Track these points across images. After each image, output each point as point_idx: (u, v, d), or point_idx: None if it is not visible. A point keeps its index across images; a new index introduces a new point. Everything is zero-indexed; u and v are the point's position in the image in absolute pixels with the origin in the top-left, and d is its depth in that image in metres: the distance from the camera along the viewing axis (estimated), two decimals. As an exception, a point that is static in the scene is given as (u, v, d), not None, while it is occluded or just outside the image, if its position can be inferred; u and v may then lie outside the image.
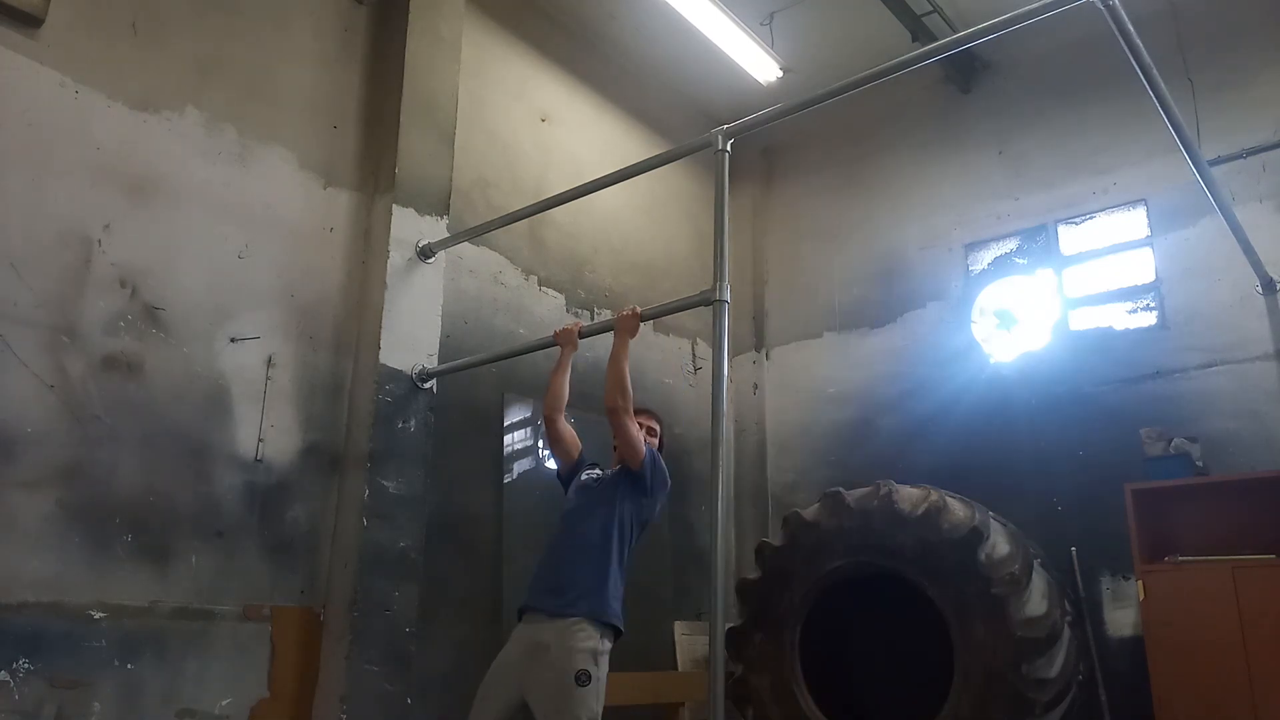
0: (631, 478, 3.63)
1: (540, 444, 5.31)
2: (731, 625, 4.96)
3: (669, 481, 3.76)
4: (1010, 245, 6.21)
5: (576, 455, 3.87)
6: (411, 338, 4.45)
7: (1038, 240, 6.09)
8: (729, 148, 3.47)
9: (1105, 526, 5.09)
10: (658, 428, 3.86)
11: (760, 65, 6.07)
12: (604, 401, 3.60)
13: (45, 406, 3.42)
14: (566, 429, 3.90)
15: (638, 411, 3.72)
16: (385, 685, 4.02)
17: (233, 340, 4.01)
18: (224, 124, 4.15)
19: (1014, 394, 5.80)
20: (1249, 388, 5.04)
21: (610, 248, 6.19)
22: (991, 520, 4.69)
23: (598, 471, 3.83)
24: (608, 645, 3.43)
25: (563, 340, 4.00)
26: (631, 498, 3.63)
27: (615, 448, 3.70)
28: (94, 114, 3.73)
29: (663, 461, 3.75)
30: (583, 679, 3.28)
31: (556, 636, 3.37)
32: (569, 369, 3.96)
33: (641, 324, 3.84)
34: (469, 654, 4.65)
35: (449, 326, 4.77)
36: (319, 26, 4.63)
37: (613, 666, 3.54)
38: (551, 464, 5.25)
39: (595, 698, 3.31)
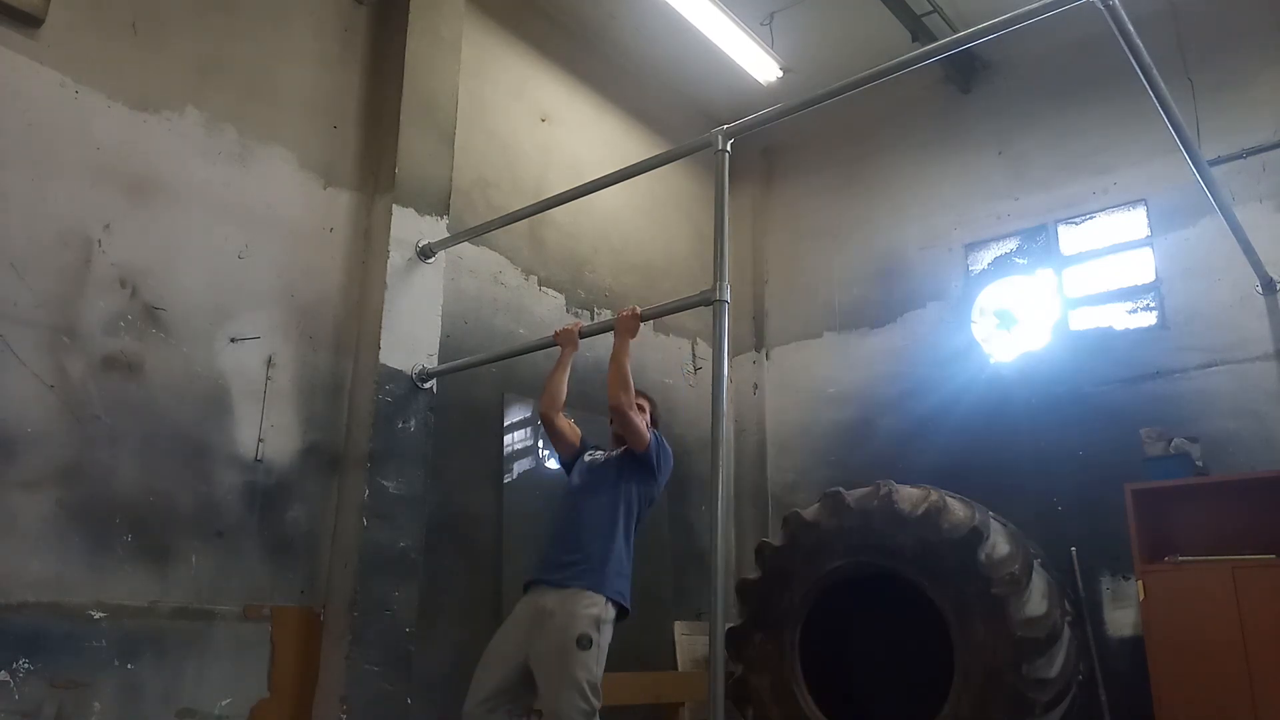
0: (637, 460, 3.73)
1: (540, 444, 5.31)
2: (731, 625, 4.96)
3: (672, 460, 3.87)
4: (1010, 245, 6.21)
5: (578, 443, 3.99)
6: (411, 338, 4.45)
7: (1038, 240, 6.09)
8: (729, 148, 3.47)
9: (1105, 526, 5.09)
10: (646, 405, 3.91)
11: (760, 65, 6.07)
12: (608, 400, 3.69)
13: (45, 406, 3.42)
14: (564, 423, 4.00)
15: None
16: (385, 685, 4.02)
17: (233, 340, 4.01)
18: (224, 124, 4.15)
19: (1014, 394, 5.80)
20: (1249, 388, 5.04)
21: (610, 248, 6.19)
22: (991, 520, 4.69)
23: (600, 453, 3.93)
24: (611, 615, 3.50)
25: (563, 340, 4.05)
26: (637, 478, 3.73)
27: (614, 434, 3.83)
28: (94, 114, 3.73)
29: (666, 443, 3.86)
30: (584, 642, 3.37)
31: (560, 603, 3.46)
32: (568, 369, 4.02)
33: (641, 324, 3.89)
34: (469, 654, 4.63)
35: (449, 326, 4.77)
36: (319, 26, 4.63)
37: (613, 666, 3.56)
38: (552, 464, 5.29)
39: (595, 662, 3.39)
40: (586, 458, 3.93)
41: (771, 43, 6.01)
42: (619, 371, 3.68)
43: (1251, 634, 4.33)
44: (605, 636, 3.45)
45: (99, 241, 3.66)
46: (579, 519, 3.67)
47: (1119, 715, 4.84)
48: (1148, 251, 5.63)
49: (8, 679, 3.17)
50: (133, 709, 3.46)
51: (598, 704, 3.35)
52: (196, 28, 4.13)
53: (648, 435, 3.70)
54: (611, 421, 3.84)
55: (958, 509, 4.66)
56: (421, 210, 4.61)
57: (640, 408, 3.82)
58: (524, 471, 5.20)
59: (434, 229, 4.63)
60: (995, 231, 6.24)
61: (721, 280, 3.20)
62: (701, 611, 6.02)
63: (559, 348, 4.08)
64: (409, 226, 4.54)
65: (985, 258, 6.31)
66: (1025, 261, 6.12)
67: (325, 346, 4.34)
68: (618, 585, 3.54)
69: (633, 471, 3.72)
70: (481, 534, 4.90)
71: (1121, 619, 5.09)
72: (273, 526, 4.01)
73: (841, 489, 4.92)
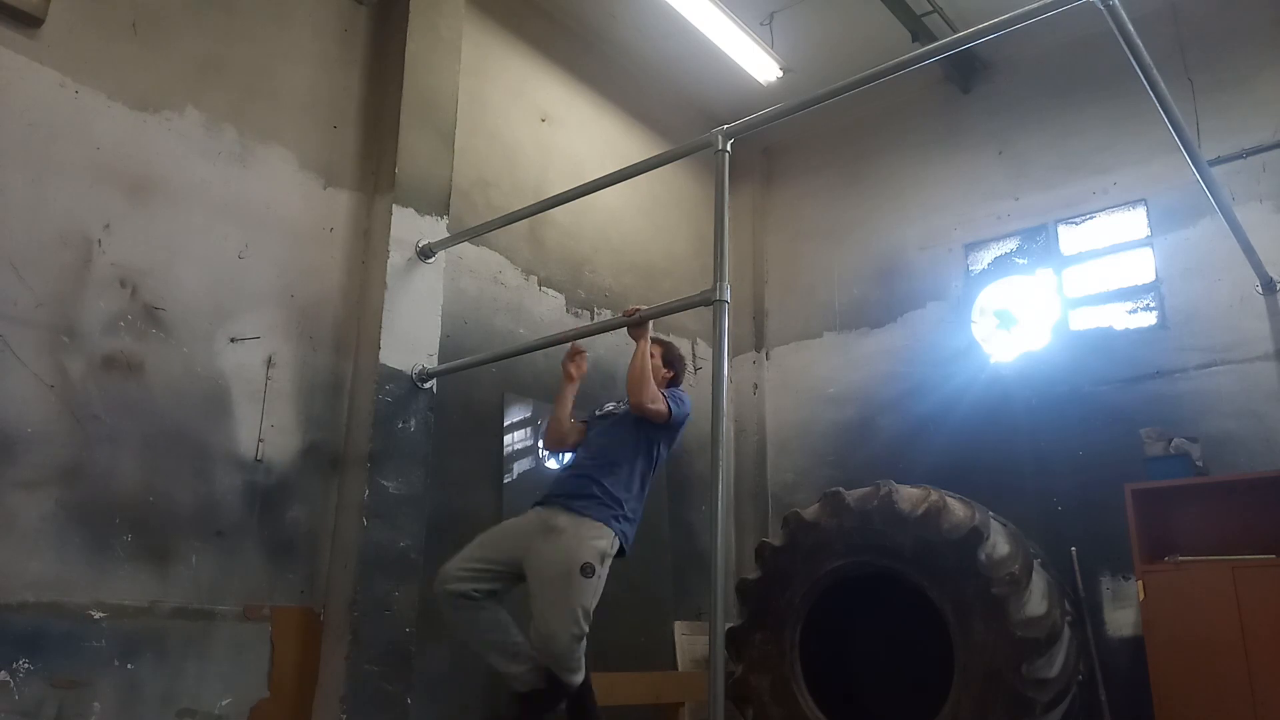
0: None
1: (540, 444, 5.31)
2: (731, 625, 4.96)
3: (690, 405, 3.96)
4: (1010, 245, 6.21)
5: (585, 428, 4.06)
6: (411, 338, 4.44)
7: (1038, 240, 6.09)
8: (729, 148, 3.47)
9: (1105, 526, 5.09)
10: (658, 358, 4.01)
11: (760, 65, 6.07)
12: (630, 398, 3.78)
13: (45, 406, 3.42)
14: (571, 439, 4.05)
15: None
16: (385, 685, 4.02)
17: (233, 340, 4.01)
18: (224, 124, 4.15)
19: (1014, 394, 5.80)
20: (1249, 388, 5.04)
21: (610, 248, 6.19)
22: (991, 520, 4.69)
23: (617, 404, 4.03)
24: (613, 552, 3.59)
25: (569, 370, 4.10)
26: (659, 432, 3.84)
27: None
28: (94, 114, 3.73)
29: (681, 395, 3.94)
30: (587, 570, 3.45)
31: (572, 525, 3.55)
32: (569, 403, 4.07)
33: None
34: (469, 654, 4.65)
35: (449, 326, 4.77)
36: (319, 26, 4.63)
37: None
38: (551, 464, 5.30)
39: (593, 593, 3.47)
40: (603, 408, 4.05)
41: (771, 43, 6.00)
42: (639, 371, 3.76)
43: (1251, 634, 4.33)
44: (605, 569, 3.55)
45: (99, 241, 3.66)
46: (598, 459, 3.77)
47: (1119, 715, 4.84)
48: (1148, 251, 5.63)
49: (8, 679, 3.17)
50: (133, 709, 3.46)
51: (586, 629, 3.44)
52: (196, 28, 4.13)
53: (665, 410, 3.78)
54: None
55: (958, 509, 4.66)
56: (421, 210, 4.61)
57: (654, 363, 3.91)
58: (524, 471, 5.20)
59: (434, 229, 4.63)
60: (995, 231, 6.24)
61: (721, 280, 3.20)
62: (701, 611, 6.02)
63: (562, 360, 4.13)
64: (409, 226, 4.54)
65: (985, 258, 6.31)
66: (1025, 261, 6.12)
67: (325, 346, 4.34)
68: (624, 528, 3.65)
69: (654, 426, 3.83)
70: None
71: (1121, 619, 5.09)
72: (273, 526, 4.01)
73: (841, 489, 4.92)
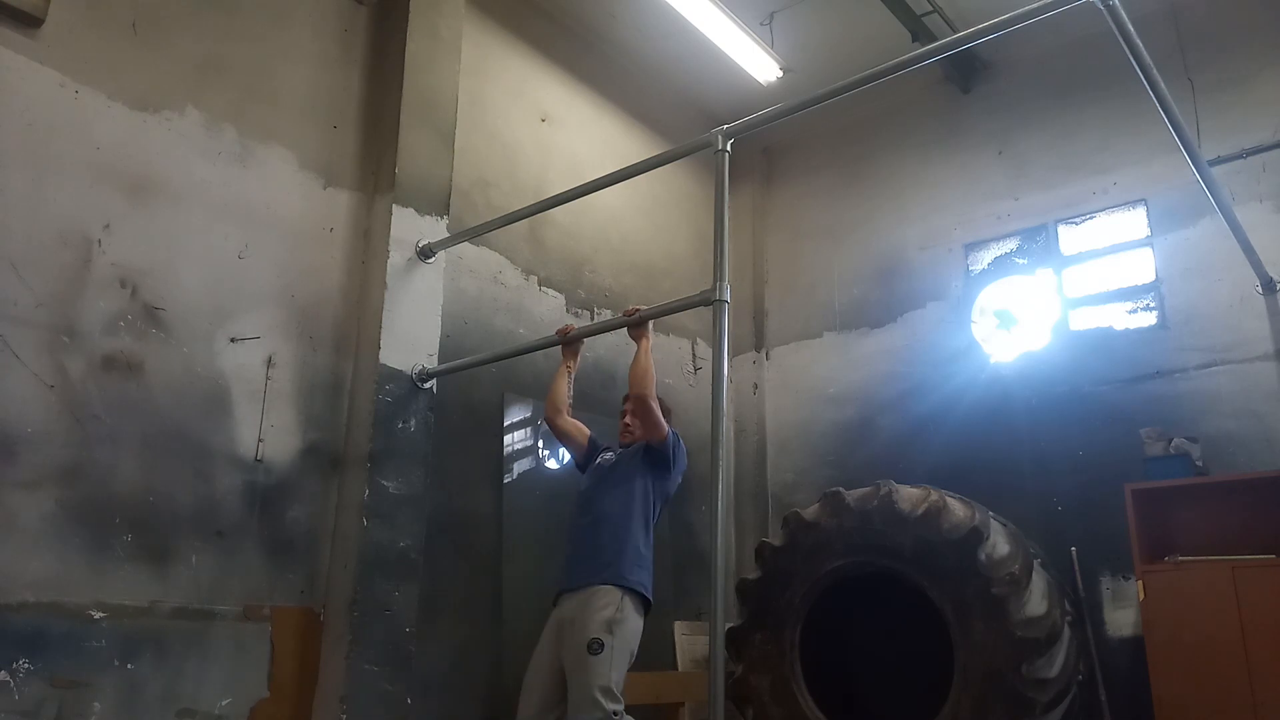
0: (653, 455, 3.82)
1: (540, 444, 5.31)
2: (731, 625, 4.96)
3: (686, 460, 3.97)
4: (1010, 245, 6.21)
5: (587, 441, 4.08)
6: (411, 338, 4.44)
7: (1038, 240, 6.09)
8: (729, 148, 3.47)
9: (1105, 526, 5.09)
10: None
11: (760, 65, 6.06)
12: (631, 390, 3.81)
13: (45, 406, 3.42)
14: (569, 422, 4.09)
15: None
16: (385, 685, 4.02)
17: (233, 340, 4.01)
18: (224, 124, 4.15)
19: (1014, 394, 5.80)
20: (1249, 388, 5.04)
21: (610, 248, 6.19)
22: (991, 520, 4.69)
23: (611, 455, 4.01)
24: (630, 613, 3.50)
25: (565, 348, 4.14)
26: (653, 472, 3.81)
27: (626, 425, 3.95)
28: (94, 114, 3.73)
29: (682, 441, 3.95)
30: (595, 647, 3.37)
31: (578, 608, 3.52)
32: (567, 375, 4.13)
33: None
34: (469, 654, 4.66)
35: (449, 326, 4.77)
36: (319, 26, 4.63)
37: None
38: (551, 464, 5.30)
39: (609, 665, 3.37)
40: (598, 460, 4.01)
41: (771, 43, 6.00)
42: (643, 368, 3.79)
43: (1251, 634, 4.33)
44: (621, 636, 3.45)
45: (99, 241, 3.66)
46: (593, 516, 3.74)
47: (1119, 715, 4.84)
48: (1148, 251, 5.63)
49: (8, 679, 3.17)
50: (133, 709, 3.46)
51: (613, 706, 3.35)
52: (196, 28, 4.13)
53: (666, 428, 3.79)
54: (625, 415, 3.97)
55: (958, 509, 4.66)
56: (421, 210, 4.61)
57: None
58: (524, 471, 5.20)
59: (434, 229, 4.63)
60: (995, 231, 6.24)
61: (721, 280, 3.20)
62: (701, 611, 6.02)
63: (560, 348, 4.14)
64: (409, 226, 4.54)
65: (985, 258, 6.31)
66: (1025, 261, 6.12)
67: (325, 346, 4.34)
68: (637, 576, 3.57)
69: (648, 466, 3.80)
70: (481, 534, 4.90)
71: (1121, 619, 5.08)
72: (273, 526, 4.01)
73: (841, 489, 4.92)
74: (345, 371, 4.38)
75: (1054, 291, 5.93)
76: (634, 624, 3.52)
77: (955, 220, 6.41)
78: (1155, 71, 3.30)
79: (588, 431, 4.10)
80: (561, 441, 4.15)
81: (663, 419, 3.79)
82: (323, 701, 3.94)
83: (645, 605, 3.60)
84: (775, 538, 5.13)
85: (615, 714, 3.34)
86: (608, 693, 3.35)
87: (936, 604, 4.48)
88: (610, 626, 3.43)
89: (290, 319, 4.23)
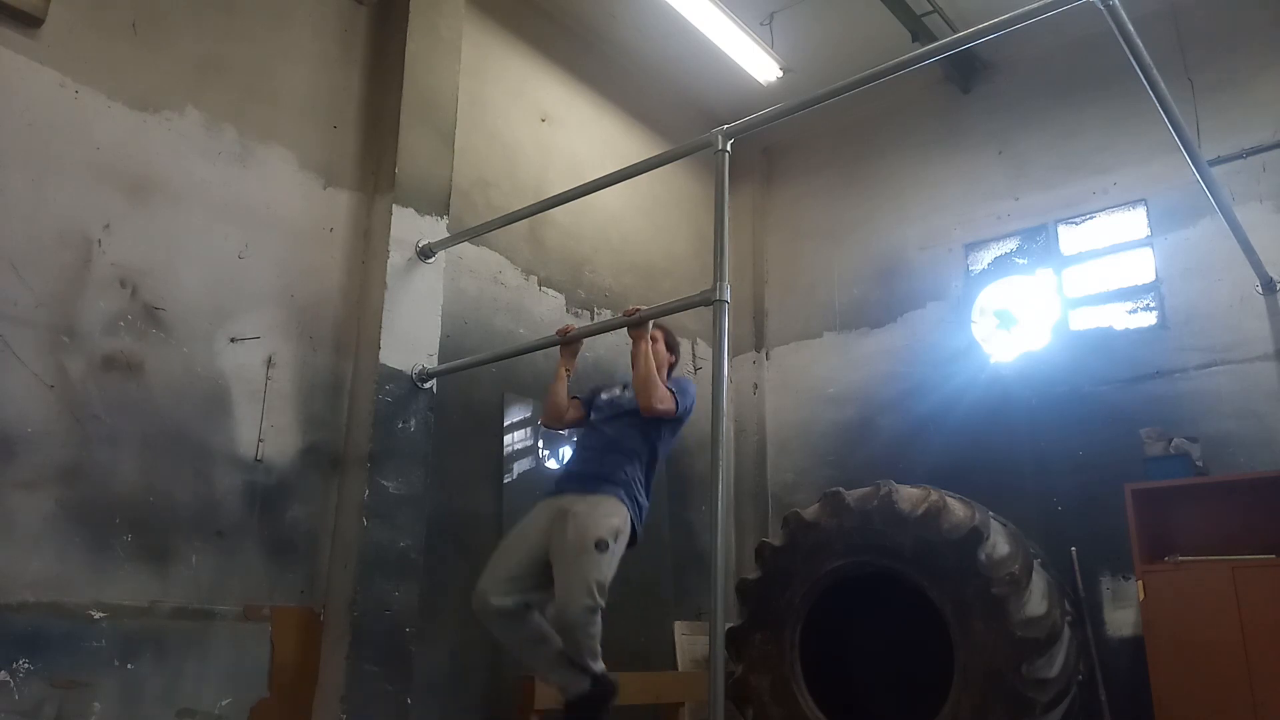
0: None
1: (540, 444, 5.31)
2: (731, 625, 4.96)
3: (694, 396, 4.01)
4: (1010, 245, 6.21)
5: (585, 410, 4.09)
6: (411, 338, 4.44)
7: (1038, 240, 6.09)
8: (729, 148, 3.47)
9: (1105, 526, 5.09)
10: (661, 341, 4.08)
11: (760, 65, 6.07)
12: (639, 401, 3.82)
13: (45, 406, 3.42)
14: (569, 418, 4.11)
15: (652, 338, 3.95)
16: (385, 685, 4.02)
17: (233, 340, 4.01)
18: (224, 124, 4.15)
19: (1014, 394, 5.80)
20: (1249, 388, 5.04)
21: (610, 248, 6.19)
22: (991, 520, 4.69)
23: (618, 389, 4.09)
24: (624, 538, 3.64)
25: (563, 351, 4.14)
26: (662, 422, 3.89)
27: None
28: (94, 114, 3.73)
29: (685, 382, 4.01)
30: (601, 545, 3.50)
31: (587, 505, 3.62)
32: (565, 380, 4.11)
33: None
34: (469, 654, 4.66)
35: (449, 326, 4.77)
36: (319, 26, 4.63)
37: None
38: (551, 464, 5.29)
39: (608, 566, 3.52)
40: (604, 395, 4.08)
41: (771, 43, 6.00)
42: (642, 376, 3.80)
43: (1251, 634, 4.33)
44: (618, 547, 3.58)
45: (99, 241, 3.66)
46: (606, 443, 3.84)
47: (1119, 715, 4.84)
48: (1148, 251, 5.63)
49: (8, 679, 3.17)
50: (133, 709, 3.46)
51: (602, 602, 3.47)
52: (196, 28, 4.13)
53: (674, 407, 3.85)
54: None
55: (958, 509, 4.66)
56: (421, 210, 4.61)
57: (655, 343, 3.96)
58: (524, 471, 5.20)
59: (434, 229, 4.63)
60: (995, 231, 6.24)
61: (721, 280, 3.20)
62: (701, 611, 6.01)
63: (558, 348, 4.13)
64: (409, 226, 4.54)
65: (985, 258, 6.31)
66: (1025, 261, 6.12)
67: (325, 346, 4.34)
68: (637, 510, 3.72)
69: (659, 420, 3.87)
70: (481, 534, 4.89)
71: (1121, 619, 5.09)
72: (273, 526, 4.01)
73: (841, 489, 4.92)
74: (345, 371, 4.38)
75: (1054, 291, 5.93)
76: (623, 548, 3.64)
77: (955, 220, 6.41)
78: (1155, 71, 3.31)
79: (578, 401, 4.15)
80: (567, 426, 4.23)
81: (669, 406, 3.82)
82: (323, 701, 3.94)
83: (633, 537, 3.73)
84: (775, 538, 5.12)
85: (600, 609, 3.47)
86: (601, 587, 3.46)
87: (936, 604, 4.48)
88: (616, 535, 3.56)
89: (290, 319, 4.23)
